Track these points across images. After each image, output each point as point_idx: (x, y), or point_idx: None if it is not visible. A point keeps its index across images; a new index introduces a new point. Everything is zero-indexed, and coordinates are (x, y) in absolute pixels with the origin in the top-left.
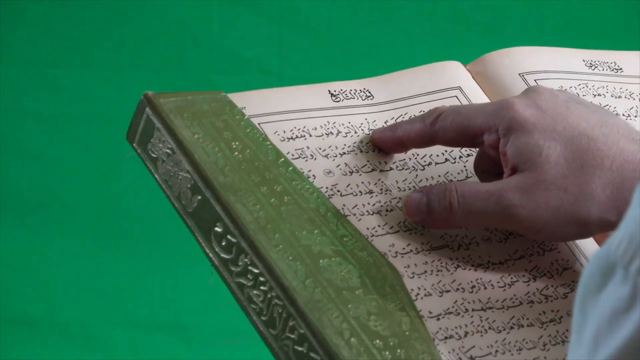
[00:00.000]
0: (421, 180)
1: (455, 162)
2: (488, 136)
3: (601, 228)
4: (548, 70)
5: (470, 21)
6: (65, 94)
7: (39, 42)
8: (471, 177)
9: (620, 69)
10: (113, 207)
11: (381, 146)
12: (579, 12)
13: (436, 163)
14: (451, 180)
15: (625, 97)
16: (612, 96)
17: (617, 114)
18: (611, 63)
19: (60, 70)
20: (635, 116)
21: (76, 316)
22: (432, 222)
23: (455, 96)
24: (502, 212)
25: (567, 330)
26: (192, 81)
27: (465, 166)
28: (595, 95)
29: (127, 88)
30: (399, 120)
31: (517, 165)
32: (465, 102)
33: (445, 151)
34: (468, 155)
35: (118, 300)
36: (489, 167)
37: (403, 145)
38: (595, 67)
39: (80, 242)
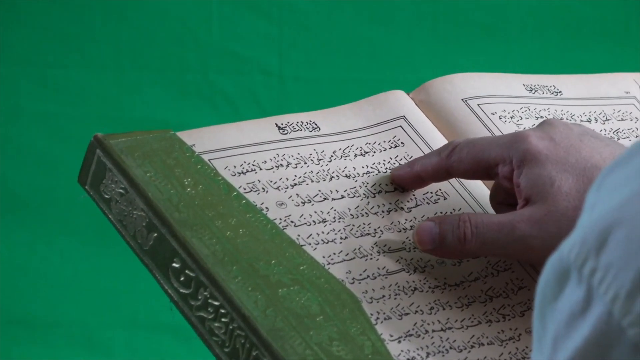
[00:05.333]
0: (373, 207)
1: (404, 190)
2: (502, 167)
3: None
4: (490, 95)
5: (471, 21)
6: (65, 94)
7: (39, 42)
8: (421, 204)
9: (560, 92)
10: None
11: (401, 183)
12: (579, 12)
13: (386, 192)
14: (413, 207)
15: (567, 119)
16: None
17: None
18: (550, 87)
19: (60, 70)
20: None
21: (76, 316)
22: (443, 252)
23: (400, 126)
24: (514, 243)
25: (526, 347)
26: (192, 81)
27: (414, 195)
28: (537, 118)
29: (127, 88)
30: (347, 150)
31: (530, 196)
32: (410, 130)
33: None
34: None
35: (118, 300)
36: (504, 199)
37: (422, 180)
38: (536, 91)
39: (80, 242)
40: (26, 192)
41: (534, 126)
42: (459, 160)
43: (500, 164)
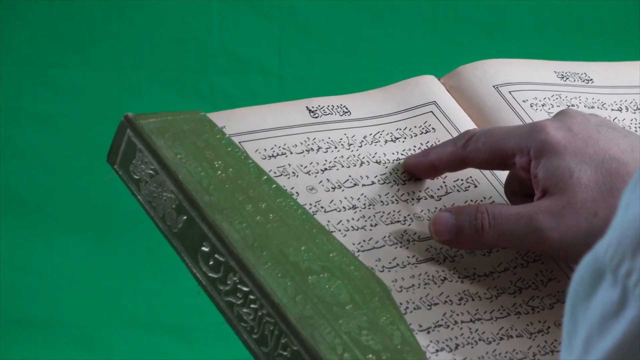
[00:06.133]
0: (403, 194)
1: (435, 178)
2: (520, 158)
3: None
4: (521, 82)
5: (471, 21)
6: (65, 94)
7: (39, 42)
8: (451, 192)
9: (591, 79)
10: (113, 207)
11: (414, 172)
12: (579, 12)
13: (416, 179)
14: (439, 196)
15: (598, 108)
16: (585, 107)
17: None
18: (582, 74)
19: (60, 70)
20: None
21: (76, 316)
22: (460, 243)
23: (431, 111)
24: (532, 235)
25: (555, 341)
26: (192, 81)
27: (444, 182)
28: (568, 106)
29: (127, 88)
30: (377, 136)
31: (548, 187)
32: (441, 116)
33: None
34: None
35: (118, 300)
36: (519, 189)
37: (436, 169)
38: (567, 78)
39: (80, 242)
40: (26, 192)
41: (551, 116)
42: (475, 150)
43: (518, 155)
